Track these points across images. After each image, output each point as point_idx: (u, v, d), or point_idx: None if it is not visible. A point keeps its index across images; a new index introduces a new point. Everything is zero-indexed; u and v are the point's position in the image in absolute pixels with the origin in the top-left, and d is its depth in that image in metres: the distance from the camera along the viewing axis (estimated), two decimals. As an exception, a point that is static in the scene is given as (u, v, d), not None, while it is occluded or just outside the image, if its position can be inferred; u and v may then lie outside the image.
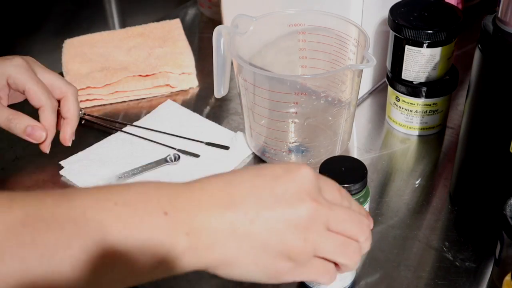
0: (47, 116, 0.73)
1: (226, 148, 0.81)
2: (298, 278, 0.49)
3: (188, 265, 0.46)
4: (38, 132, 0.71)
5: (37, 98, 0.71)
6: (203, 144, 0.82)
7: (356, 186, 0.62)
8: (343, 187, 0.55)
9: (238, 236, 0.46)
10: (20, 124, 0.71)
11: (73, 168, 0.80)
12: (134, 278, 0.45)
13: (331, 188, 0.50)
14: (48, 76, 0.74)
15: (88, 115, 0.89)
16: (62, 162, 0.80)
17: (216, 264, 0.47)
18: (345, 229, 0.49)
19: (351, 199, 0.52)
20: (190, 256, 0.45)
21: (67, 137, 0.75)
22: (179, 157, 0.80)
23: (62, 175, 0.79)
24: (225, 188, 0.47)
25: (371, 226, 0.52)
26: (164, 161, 0.79)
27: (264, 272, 0.48)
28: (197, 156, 0.80)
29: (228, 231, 0.46)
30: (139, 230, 0.44)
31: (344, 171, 0.63)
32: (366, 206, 0.64)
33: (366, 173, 0.63)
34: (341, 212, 0.49)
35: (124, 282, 0.45)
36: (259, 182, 0.47)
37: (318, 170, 0.79)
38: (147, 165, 0.79)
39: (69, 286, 0.42)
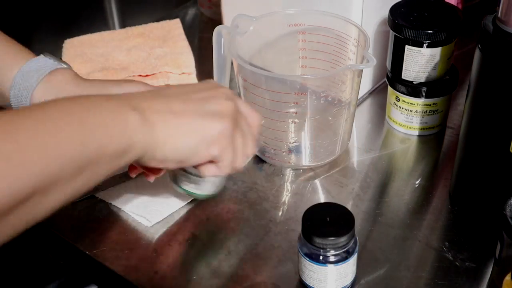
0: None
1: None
2: (220, 150, 0.58)
3: (143, 140, 0.52)
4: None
5: None
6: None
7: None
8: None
9: (175, 114, 0.54)
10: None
11: None
12: (102, 160, 0.49)
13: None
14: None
15: None
16: None
17: (163, 139, 0.53)
18: (247, 135, 0.62)
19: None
20: (143, 129, 0.52)
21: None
22: None
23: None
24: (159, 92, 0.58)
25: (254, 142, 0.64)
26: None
27: (196, 145, 0.56)
28: None
29: (167, 111, 0.54)
30: (91, 112, 0.50)
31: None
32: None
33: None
34: (245, 126, 0.62)
35: (97, 165, 0.49)
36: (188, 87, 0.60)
37: (318, 170, 0.79)
38: None
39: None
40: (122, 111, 0.51)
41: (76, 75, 0.71)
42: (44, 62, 0.69)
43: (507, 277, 0.55)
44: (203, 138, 0.56)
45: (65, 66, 0.71)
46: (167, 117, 0.54)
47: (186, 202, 0.74)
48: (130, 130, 0.51)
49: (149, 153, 0.53)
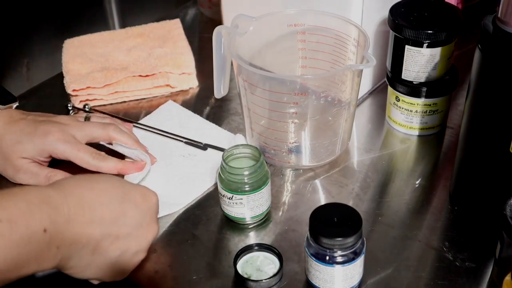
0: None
1: (223, 150, 0.80)
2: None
3: (49, 267, 0.56)
4: None
5: (83, 163, 0.76)
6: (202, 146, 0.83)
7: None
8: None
9: (97, 253, 0.59)
10: (55, 179, 0.76)
11: None
12: (5, 279, 0.53)
13: None
14: (87, 131, 0.78)
15: (93, 110, 0.90)
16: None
17: (70, 270, 0.59)
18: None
19: None
20: (56, 263, 0.56)
21: None
22: None
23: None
24: (98, 209, 0.59)
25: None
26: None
27: (106, 273, 0.62)
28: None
29: (91, 248, 0.59)
30: (18, 245, 0.52)
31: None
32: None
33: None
34: None
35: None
36: (125, 208, 0.61)
37: (318, 170, 0.79)
38: None
39: None
40: (47, 249, 0.55)
41: (5, 116, 0.77)
42: None
43: (507, 277, 0.55)
44: (107, 274, 0.62)
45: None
46: (84, 256, 0.59)
47: (183, 206, 0.74)
48: (44, 263, 0.56)
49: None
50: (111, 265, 0.61)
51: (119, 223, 0.60)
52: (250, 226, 0.72)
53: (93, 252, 0.59)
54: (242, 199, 0.69)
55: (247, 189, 0.68)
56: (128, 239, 0.61)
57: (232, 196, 0.69)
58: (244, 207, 0.69)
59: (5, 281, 0.52)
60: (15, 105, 0.82)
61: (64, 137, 0.75)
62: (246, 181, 0.68)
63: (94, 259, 0.59)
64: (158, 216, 0.72)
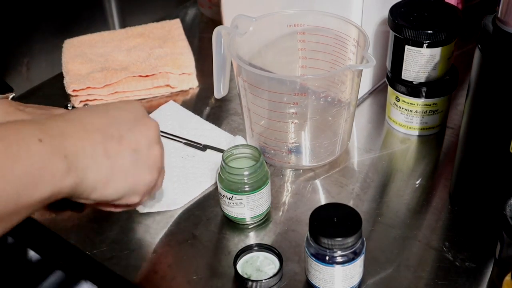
0: None
1: (222, 151, 0.80)
2: (152, 185, 0.60)
3: (70, 186, 0.51)
4: None
5: None
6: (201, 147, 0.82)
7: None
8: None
9: (111, 156, 0.54)
10: None
11: None
12: (23, 208, 0.48)
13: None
14: None
15: None
16: None
17: (93, 184, 0.53)
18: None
19: None
20: (71, 177, 0.50)
21: None
22: None
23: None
24: (87, 119, 0.55)
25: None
26: None
27: (131, 186, 0.57)
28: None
29: (101, 153, 0.54)
30: (16, 161, 0.47)
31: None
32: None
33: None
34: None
35: (16, 214, 0.48)
36: (113, 113, 0.57)
37: (318, 170, 0.79)
38: None
39: None
40: (52, 159, 0.49)
41: (8, 111, 0.73)
42: None
43: (507, 277, 0.55)
44: (131, 187, 0.57)
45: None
46: (100, 162, 0.54)
47: (180, 206, 0.74)
48: (57, 180, 0.49)
49: (75, 195, 0.53)
50: (133, 165, 0.57)
51: (114, 125, 0.56)
52: (250, 226, 0.72)
53: (106, 155, 0.54)
54: (242, 199, 0.69)
55: (247, 189, 0.68)
56: (133, 135, 0.57)
57: (232, 196, 0.69)
58: (244, 207, 0.70)
59: (25, 206, 0.48)
60: (11, 95, 0.81)
61: None
62: (246, 181, 0.68)
63: (112, 163, 0.55)
64: (153, 210, 0.73)
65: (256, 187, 0.69)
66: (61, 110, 0.77)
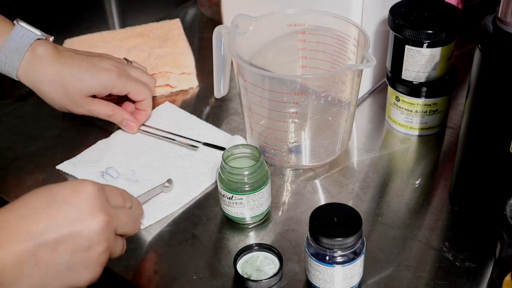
0: (148, 105, 0.85)
1: (223, 149, 0.80)
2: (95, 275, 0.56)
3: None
4: (130, 125, 0.85)
5: (141, 94, 0.84)
6: (200, 145, 0.82)
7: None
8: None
9: (43, 266, 0.52)
10: (118, 118, 0.84)
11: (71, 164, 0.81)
12: None
13: (115, 195, 0.59)
14: (136, 73, 0.85)
15: None
16: (59, 166, 0.80)
17: None
18: (127, 231, 0.59)
19: (130, 197, 0.62)
20: None
21: (137, 127, 0.85)
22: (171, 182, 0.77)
23: (61, 175, 0.79)
24: (21, 223, 0.52)
25: (142, 214, 0.65)
26: (160, 189, 0.75)
27: (70, 285, 0.54)
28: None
29: (31, 264, 0.51)
30: None
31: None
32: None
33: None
34: (124, 218, 0.58)
35: None
36: (53, 210, 0.53)
37: (318, 170, 0.79)
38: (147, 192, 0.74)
39: None
40: None
41: (53, 51, 0.80)
42: (21, 37, 0.79)
43: (507, 277, 0.55)
44: (71, 286, 0.55)
45: (39, 34, 0.80)
46: (30, 273, 0.52)
47: (180, 206, 0.74)
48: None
49: None
50: (70, 269, 0.54)
51: (52, 229, 0.52)
52: (250, 226, 0.72)
53: (37, 265, 0.52)
54: (242, 199, 0.69)
55: (247, 189, 0.68)
56: (72, 238, 0.53)
57: (232, 196, 0.69)
58: (244, 207, 0.69)
59: None
60: (51, 38, 0.82)
61: (123, 73, 0.82)
62: (246, 181, 0.68)
63: (44, 272, 0.52)
64: (157, 220, 0.73)
65: (256, 187, 0.69)
66: (106, 62, 0.82)
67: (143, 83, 0.84)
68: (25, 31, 0.79)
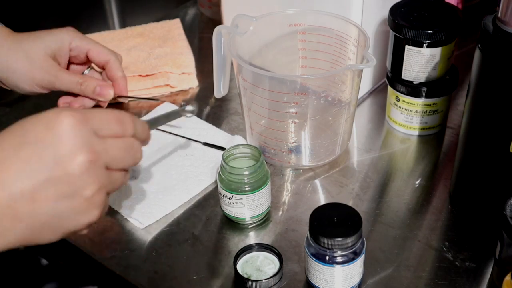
0: (117, 67, 0.81)
1: (223, 149, 0.80)
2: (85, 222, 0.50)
3: None
4: (106, 91, 0.79)
5: (103, 54, 0.79)
6: (200, 145, 0.82)
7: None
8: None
9: (24, 218, 0.46)
10: (90, 85, 0.78)
11: None
12: None
13: (107, 122, 0.50)
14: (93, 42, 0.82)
15: None
16: None
17: (18, 242, 0.47)
18: (122, 165, 0.51)
19: (131, 121, 0.52)
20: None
21: (113, 92, 0.81)
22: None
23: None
24: None
25: (147, 141, 0.55)
26: (178, 113, 0.68)
27: (63, 233, 0.49)
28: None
29: (9, 216, 0.45)
30: None
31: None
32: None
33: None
34: (117, 151, 0.50)
35: None
36: (25, 153, 0.46)
37: (318, 170, 0.79)
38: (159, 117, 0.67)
39: None
40: None
41: (9, 30, 0.78)
42: None
43: (507, 277, 0.55)
44: (69, 232, 0.50)
45: None
46: (12, 227, 0.46)
47: (179, 205, 0.74)
48: None
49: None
50: (59, 218, 0.48)
51: (24, 176, 0.45)
52: (250, 226, 0.72)
53: (18, 218, 0.46)
54: (242, 199, 0.69)
55: (247, 189, 0.68)
56: (51, 184, 0.46)
57: (232, 196, 0.69)
58: (244, 207, 0.69)
59: None
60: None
61: (80, 34, 0.80)
62: (246, 181, 0.68)
63: (29, 225, 0.46)
64: (157, 219, 0.73)
65: (256, 187, 0.69)
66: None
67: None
68: None
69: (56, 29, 0.79)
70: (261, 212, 0.71)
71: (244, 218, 0.71)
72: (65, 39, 0.79)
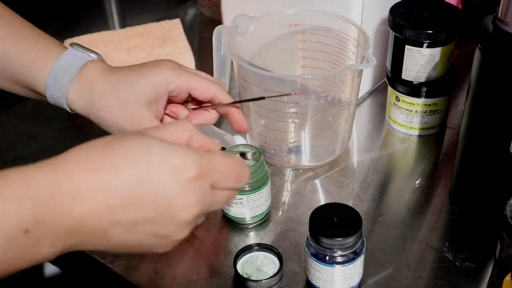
0: (226, 100, 0.68)
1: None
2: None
3: (48, 260, 0.46)
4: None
5: (208, 91, 0.67)
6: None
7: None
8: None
9: (112, 241, 0.48)
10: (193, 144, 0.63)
11: None
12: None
13: (226, 178, 0.51)
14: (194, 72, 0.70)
15: None
16: None
17: (90, 248, 0.48)
18: (215, 210, 0.53)
19: (249, 176, 0.53)
20: (54, 255, 0.46)
21: (244, 122, 0.70)
22: None
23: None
24: (103, 193, 0.46)
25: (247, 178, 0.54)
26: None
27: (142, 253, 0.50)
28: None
29: (100, 236, 0.47)
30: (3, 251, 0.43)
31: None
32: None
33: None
34: (220, 201, 0.51)
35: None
36: (143, 190, 0.47)
37: (318, 170, 0.79)
38: None
39: None
40: (36, 248, 0.45)
41: (105, 67, 0.68)
42: (73, 58, 0.67)
43: (507, 277, 0.55)
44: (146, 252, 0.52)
45: (94, 57, 0.68)
46: (96, 242, 0.48)
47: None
48: (44, 258, 0.46)
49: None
50: (140, 247, 0.50)
51: (134, 209, 0.47)
52: (250, 226, 0.72)
53: (106, 240, 0.47)
54: (242, 199, 0.69)
55: (247, 189, 0.68)
56: (153, 224, 0.48)
57: None
58: (244, 207, 0.69)
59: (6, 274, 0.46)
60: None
61: (179, 66, 0.67)
62: (246, 181, 0.68)
63: (111, 245, 0.48)
64: None
65: (256, 187, 0.69)
66: (159, 61, 0.68)
67: (206, 77, 0.68)
68: (78, 53, 0.68)
69: (153, 68, 0.67)
70: (261, 212, 0.71)
71: (244, 218, 0.71)
72: (162, 83, 0.66)
